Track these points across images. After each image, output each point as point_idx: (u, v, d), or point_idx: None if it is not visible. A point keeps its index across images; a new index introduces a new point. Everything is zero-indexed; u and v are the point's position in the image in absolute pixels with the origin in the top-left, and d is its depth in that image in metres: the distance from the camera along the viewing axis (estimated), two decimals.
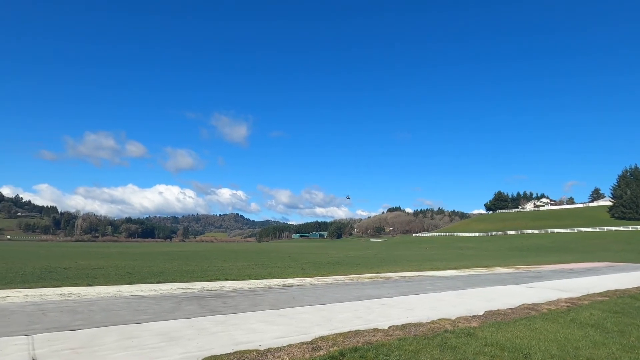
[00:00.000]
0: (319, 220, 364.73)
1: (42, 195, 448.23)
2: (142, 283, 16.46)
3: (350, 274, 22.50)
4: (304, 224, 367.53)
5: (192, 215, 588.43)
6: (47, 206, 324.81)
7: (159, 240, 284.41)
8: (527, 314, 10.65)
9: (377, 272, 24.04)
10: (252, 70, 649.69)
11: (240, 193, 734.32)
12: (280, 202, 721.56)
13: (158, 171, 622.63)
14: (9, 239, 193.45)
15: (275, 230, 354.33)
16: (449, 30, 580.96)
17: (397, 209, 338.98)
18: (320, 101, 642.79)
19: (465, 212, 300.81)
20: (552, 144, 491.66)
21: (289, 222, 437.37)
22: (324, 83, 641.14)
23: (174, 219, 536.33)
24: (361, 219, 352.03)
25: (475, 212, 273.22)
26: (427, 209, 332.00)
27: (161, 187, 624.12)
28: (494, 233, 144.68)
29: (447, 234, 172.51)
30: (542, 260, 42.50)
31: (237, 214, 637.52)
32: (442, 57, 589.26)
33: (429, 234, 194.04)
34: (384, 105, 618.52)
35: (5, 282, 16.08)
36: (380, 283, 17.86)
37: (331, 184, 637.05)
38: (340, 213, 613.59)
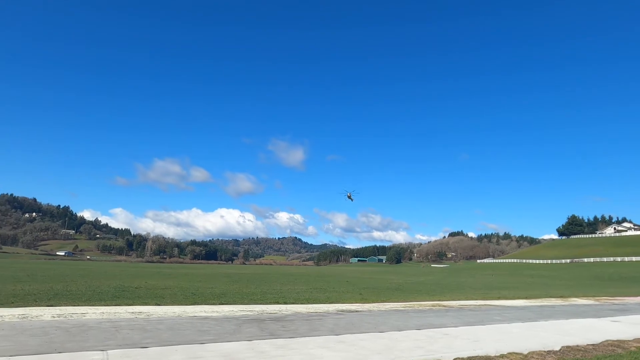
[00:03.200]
0: (377, 245, 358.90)
1: (117, 219, 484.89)
2: (205, 304, 17.02)
3: (410, 301, 21.74)
4: (362, 248, 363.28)
5: (252, 238, 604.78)
6: (121, 229, 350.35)
7: (221, 262, 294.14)
8: (612, 352, 9.60)
9: (439, 300, 23.02)
10: (306, 95, 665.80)
11: (297, 216, 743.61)
12: (337, 225, 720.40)
13: (220, 195, 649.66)
14: (88, 259, 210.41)
15: (332, 254, 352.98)
16: (509, 35, 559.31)
17: (459, 233, 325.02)
18: (375, 124, 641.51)
19: (534, 237, 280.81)
20: (635, 160, 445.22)
21: (346, 246, 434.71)
22: (379, 107, 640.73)
23: (235, 241, 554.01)
24: (421, 244, 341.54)
25: (546, 237, 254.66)
26: (492, 234, 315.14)
27: (222, 211, 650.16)
28: (568, 260, 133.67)
29: (515, 260, 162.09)
30: (627, 292, 38.41)
31: (295, 238, 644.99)
32: (501, 65, 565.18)
33: (494, 260, 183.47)
34: (443, 126, 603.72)
35: (85, 299, 17.38)
36: (443, 311, 17.06)
37: (388, 208, 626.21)
38: (398, 237, 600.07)
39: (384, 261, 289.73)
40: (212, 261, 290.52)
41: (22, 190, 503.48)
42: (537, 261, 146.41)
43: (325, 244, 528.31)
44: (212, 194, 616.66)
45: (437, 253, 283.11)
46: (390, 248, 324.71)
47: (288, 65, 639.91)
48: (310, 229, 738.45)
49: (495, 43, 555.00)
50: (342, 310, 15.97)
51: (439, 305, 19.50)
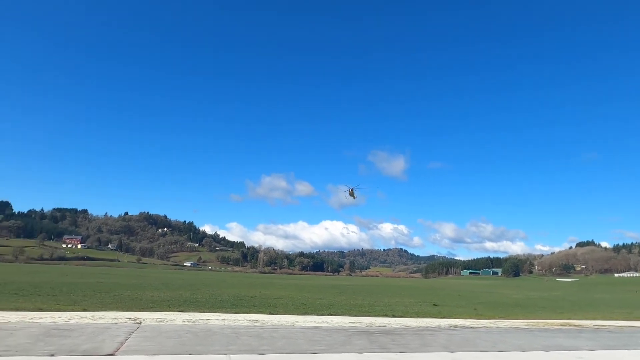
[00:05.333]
0: (491, 256, 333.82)
1: (233, 232, 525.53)
2: (315, 314, 17.50)
3: (533, 319, 19.72)
4: (474, 259, 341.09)
5: (358, 249, 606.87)
6: (236, 241, 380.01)
7: (327, 273, 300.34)
8: None
9: (568, 319, 20.49)
10: (405, 104, 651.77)
11: (402, 227, 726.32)
12: (444, 236, 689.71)
13: (323, 208, 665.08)
14: (210, 269, 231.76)
15: (441, 266, 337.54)
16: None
17: (590, 243, 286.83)
18: (480, 127, 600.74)
19: None
20: None
21: (456, 258, 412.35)
22: (484, 107, 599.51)
23: (341, 253, 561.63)
24: (542, 255, 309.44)
25: None
26: (632, 244, 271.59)
27: (327, 223, 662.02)
28: None
29: None
30: None
31: (401, 249, 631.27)
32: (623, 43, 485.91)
33: (638, 274, 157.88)
34: (563, 123, 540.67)
35: (209, 306, 19.12)
36: (575, 332, 15.11)
37: (501, 216, 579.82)
38: (515, 248, 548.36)
39: (499, 274, 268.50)
40: (319, 272, 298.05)
41: (155, 208, 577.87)
42: None
43: (433, 256, 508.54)
44: (316, 206, 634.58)
45: (563, 265, 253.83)
46: (506, 260, 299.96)
47: (384, 76, 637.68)
48: (416, 239, 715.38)
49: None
50: (455, 326, 15.10)
51: (570, 325, 17.34)
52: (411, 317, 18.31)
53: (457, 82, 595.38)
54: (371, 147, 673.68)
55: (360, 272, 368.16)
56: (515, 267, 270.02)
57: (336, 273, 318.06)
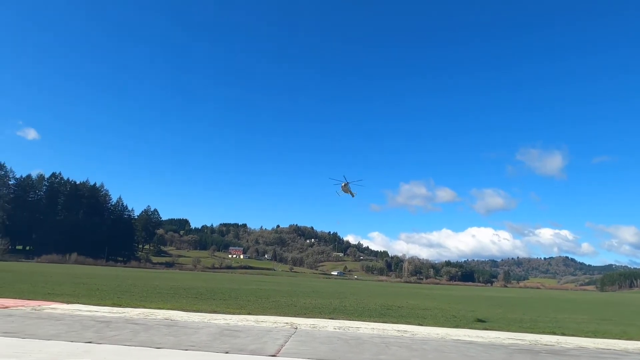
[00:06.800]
0: None
1: (375, 242, 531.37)
2: (467, 328, 16.40)
3: None
4: None
5: (512, 258, 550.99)
6: (380, 251, 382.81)
7: (478, 284, 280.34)
8: None
9: None
10: (556, 96, 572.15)
11: (565, 232, 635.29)
12: (623, 241, 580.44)
13: (469, 214, 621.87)
14: (356, 278, 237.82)
15: (622, 278, 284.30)
16: None
17: None
18: None
19: None
20: None
21: None
22: None
23: (493, 262, 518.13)
24: None
25: None
26: None
27: (473, 230, 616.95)
28: None
29: None
30: None
31: (567, 257, 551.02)
32: None
33: None
34: None
35: (357, 314, 19.56)
36: None
37: None
38: None
39: None
40: (469, 283, 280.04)
41: (303, 220, 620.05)
42: None
43: (610, 265, 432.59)
44: (460, 213, 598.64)
45: None
46: None
47: (526, 64, 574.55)
48: (585, 246, 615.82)
49: None
50: None
51: None
52: (586, 336, 15.75)
53: (621, 55, 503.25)
54: (519, 144, 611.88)
55: (517, 283, 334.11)
56: None
57: (488, 284, 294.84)
